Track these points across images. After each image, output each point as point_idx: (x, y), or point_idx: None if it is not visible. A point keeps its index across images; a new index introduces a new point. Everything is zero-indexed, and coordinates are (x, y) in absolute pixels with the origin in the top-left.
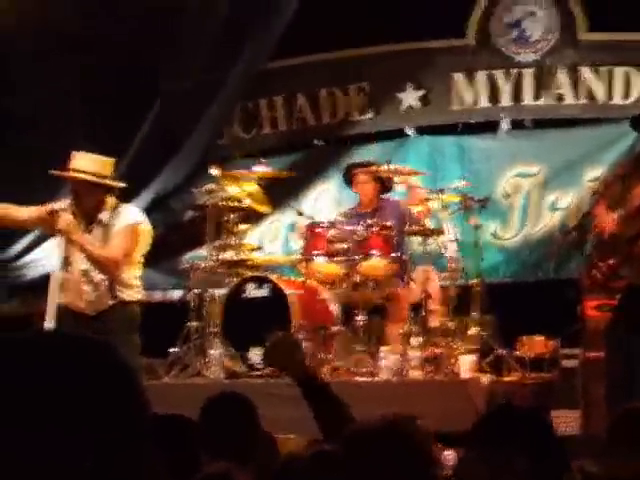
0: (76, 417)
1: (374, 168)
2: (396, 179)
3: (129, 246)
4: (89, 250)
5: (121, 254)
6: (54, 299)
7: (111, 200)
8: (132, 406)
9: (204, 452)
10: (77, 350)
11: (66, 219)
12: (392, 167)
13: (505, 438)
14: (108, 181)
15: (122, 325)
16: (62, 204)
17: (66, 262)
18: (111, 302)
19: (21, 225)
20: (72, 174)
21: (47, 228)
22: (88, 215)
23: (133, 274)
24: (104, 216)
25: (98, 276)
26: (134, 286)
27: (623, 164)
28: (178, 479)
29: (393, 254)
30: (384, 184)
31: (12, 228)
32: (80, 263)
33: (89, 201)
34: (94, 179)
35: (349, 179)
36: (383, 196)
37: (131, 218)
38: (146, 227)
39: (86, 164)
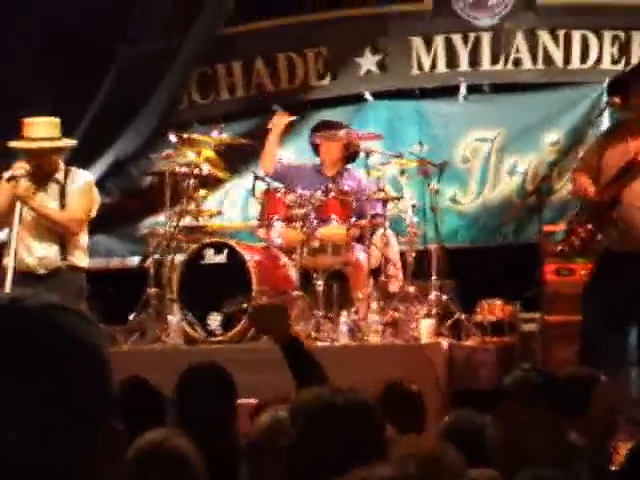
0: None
1: (341, 133)
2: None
3: (89, 204)
4: (49, 214)
5: (84, 213)
6: (10, 263)
7: (61, 162)
8: (98, 381)
9: (177, 421)
10: (44, 320)
11: (25, 186)
12: (353, 132)
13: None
14: (64, 143)
15: (70, 291)
16: (20, 168)
17: (20, 223)
18: (61, 264)
19: (5, 211)
20: (38, 144)
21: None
22: (44, 177)
23: (83, 238)
24: (59, 176)
25: (50, 235)
26: (83, 251)
27: (598, 137)
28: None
29: (352, 219)
30: (349, 150)
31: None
32: (35, 222)
33: (48, 164)
34: (58, 144)
35: (314, 141)
36: (346, 165)
37: (85, 177)
38: (96, 189)
39: (45, 130)
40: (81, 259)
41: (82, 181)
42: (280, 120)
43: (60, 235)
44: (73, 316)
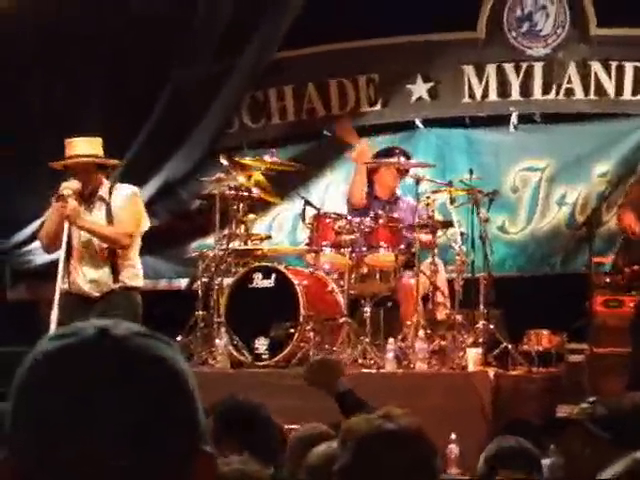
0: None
1: (394, 159)
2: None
3: (136, 215)
4: (98, 231)
5: (133, 225)
6: (58, 284)
7: (105, 180)
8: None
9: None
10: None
11: (72, 206)
12: (402, 160)
13: None
14: (108, 160)
15: (126, 312)
16: (67, 188)
17: (70, 246)
18: (114, 286)
19: (55, 231)
20: (79, 160)
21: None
22: (89, 195)
23: (135, 257)
24: (103, 193)
25: (100, 258)
26: (136, 271)
27: None
28: None
29: (401, 246)
30: (403, 175)
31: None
32: (83, 245)
33: (92, 182)
34: (99, 160)
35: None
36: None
37: (129, 189)
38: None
39: (86, 148)
40: (134, 279)
41: (126, 193)
42: (364, 150)
43: (111, 257)
44: (161, 343)
